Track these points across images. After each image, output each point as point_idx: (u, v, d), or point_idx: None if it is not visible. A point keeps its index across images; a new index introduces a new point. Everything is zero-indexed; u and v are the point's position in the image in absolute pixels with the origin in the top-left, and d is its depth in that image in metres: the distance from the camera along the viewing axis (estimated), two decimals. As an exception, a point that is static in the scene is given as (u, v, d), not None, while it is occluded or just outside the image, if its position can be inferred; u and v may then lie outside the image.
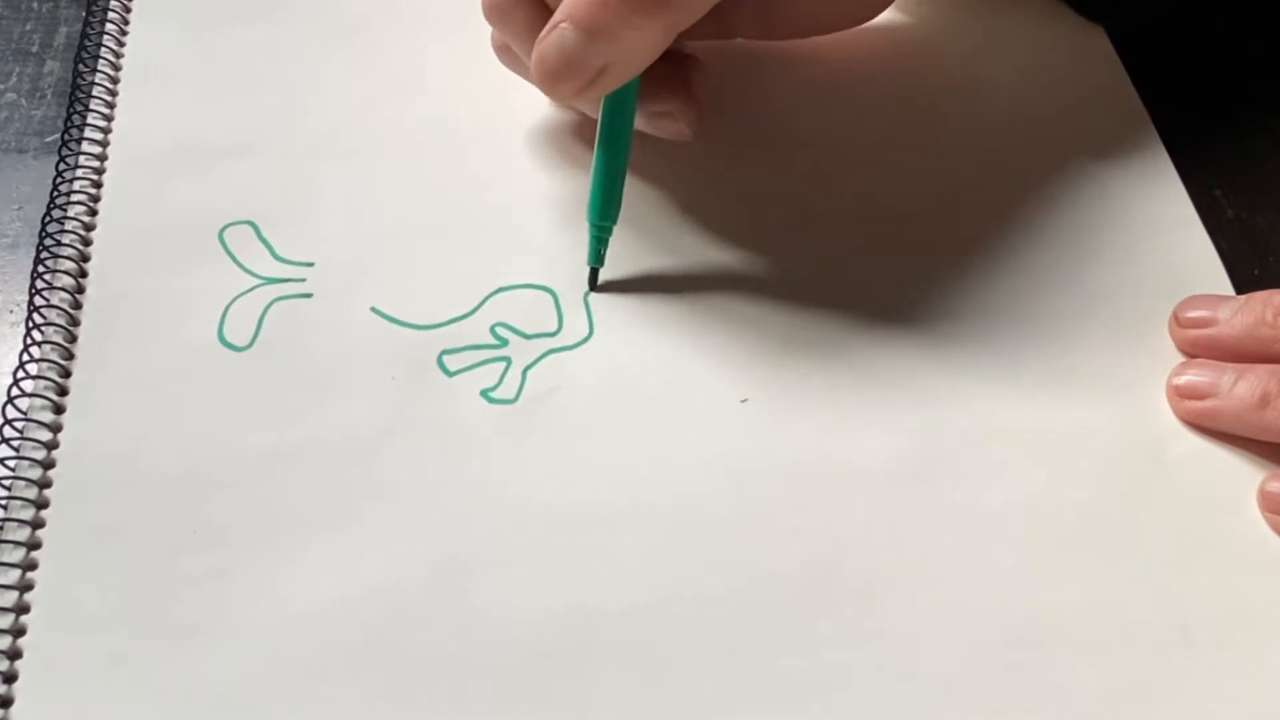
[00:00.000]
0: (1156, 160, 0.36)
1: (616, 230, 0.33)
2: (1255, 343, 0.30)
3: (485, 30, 0.37)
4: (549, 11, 0.30)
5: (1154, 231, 0.35)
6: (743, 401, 0.31)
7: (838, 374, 0.32)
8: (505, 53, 0.35)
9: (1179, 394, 0.31)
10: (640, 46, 0.30)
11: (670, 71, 0.32)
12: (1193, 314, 0.32)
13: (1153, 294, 0.33)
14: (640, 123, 0.33)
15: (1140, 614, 0.28)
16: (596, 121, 0.33)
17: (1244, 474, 0.30)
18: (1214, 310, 0.32)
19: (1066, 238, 0.34)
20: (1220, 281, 0.33)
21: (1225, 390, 0.30)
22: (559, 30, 0.29)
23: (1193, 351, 0.32)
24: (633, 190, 0.34)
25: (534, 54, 0.30)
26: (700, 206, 0.35)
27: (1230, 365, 0.31)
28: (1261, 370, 0.30)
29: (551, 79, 0.30)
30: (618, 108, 0.31)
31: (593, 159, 0.32)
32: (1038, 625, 0.28)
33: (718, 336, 0.33)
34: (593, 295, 0.33)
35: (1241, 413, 0.30)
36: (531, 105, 0.37)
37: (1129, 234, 0.35)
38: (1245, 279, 0.33)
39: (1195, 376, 0.31)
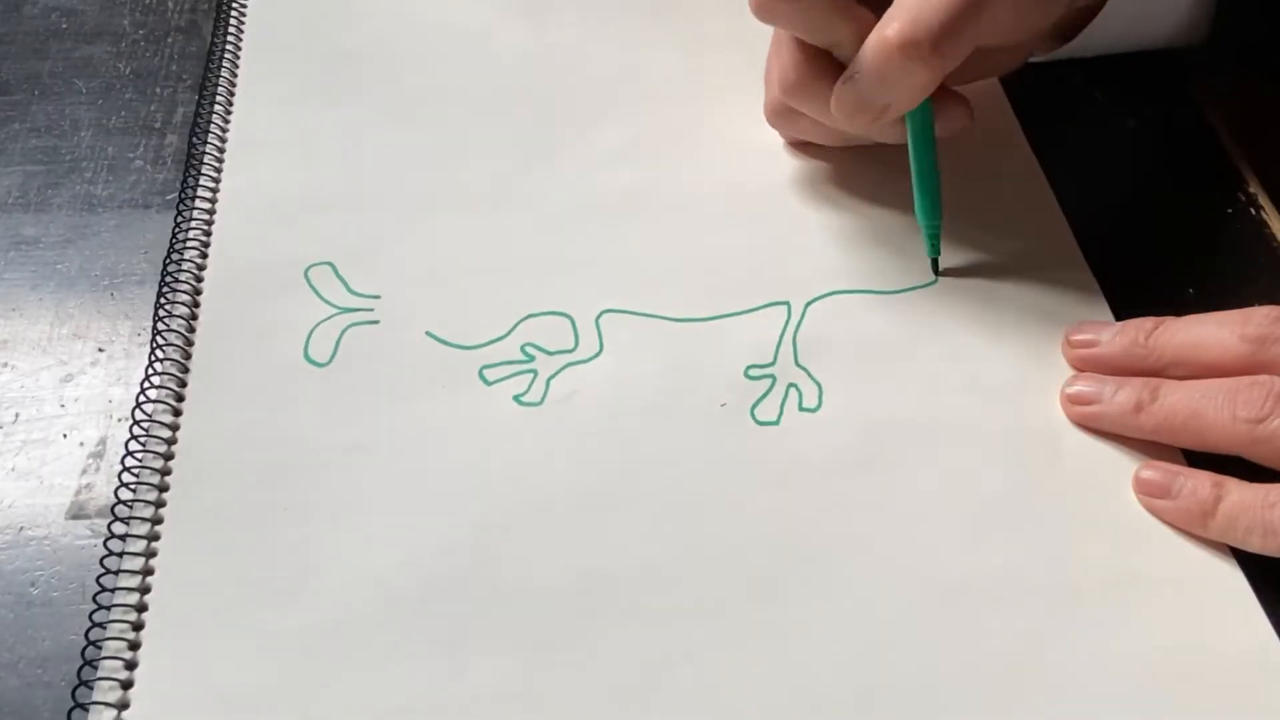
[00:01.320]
0: (1063, 242, 0.38)
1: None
2: (1130, 360, 0.33)
3: (515, 113, 0.40)
4: (838, 70, 0.34)
5: (1052, 276, 0.37)
6: (722, 405, 0.33)
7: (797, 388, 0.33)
8: (780, 116, 0.38)
9: (1070, 401, 0.33)
10: (915, 89, 0.33)
11: None
12: (1080, 337, 0.34)
13: (1049, 322, 0.35)
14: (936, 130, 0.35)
15: (1040, 577, 0.30)
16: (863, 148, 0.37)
17: (1122, 464, 0.32)
18: (1097, 334, 0.34)
19: (990, 288, 0.36)
20: (1103, 312, 0.36)
21: (1107, 398, 0.32)
22: (853, 79, 0.33)
23: (1081, 367, 0.34)
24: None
25: (834, 98, 0.34)
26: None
27: (1111, 378, 0.33)
28: (1137, 382, 0.32)
29: (849, 117, 0.34)
30: (919, 128, 0.35)
31: (912, 173, 0.35)
32: (958, 586, 0.29)
33: (701, 354, 0.34)
34: (602, 319, 0.35)
35: (1120, 416, 0.32)
36: (538, 174, 0.39)
37: (1032, 280, 0.37)
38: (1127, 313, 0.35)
39: (1083, 387, 0.33)
